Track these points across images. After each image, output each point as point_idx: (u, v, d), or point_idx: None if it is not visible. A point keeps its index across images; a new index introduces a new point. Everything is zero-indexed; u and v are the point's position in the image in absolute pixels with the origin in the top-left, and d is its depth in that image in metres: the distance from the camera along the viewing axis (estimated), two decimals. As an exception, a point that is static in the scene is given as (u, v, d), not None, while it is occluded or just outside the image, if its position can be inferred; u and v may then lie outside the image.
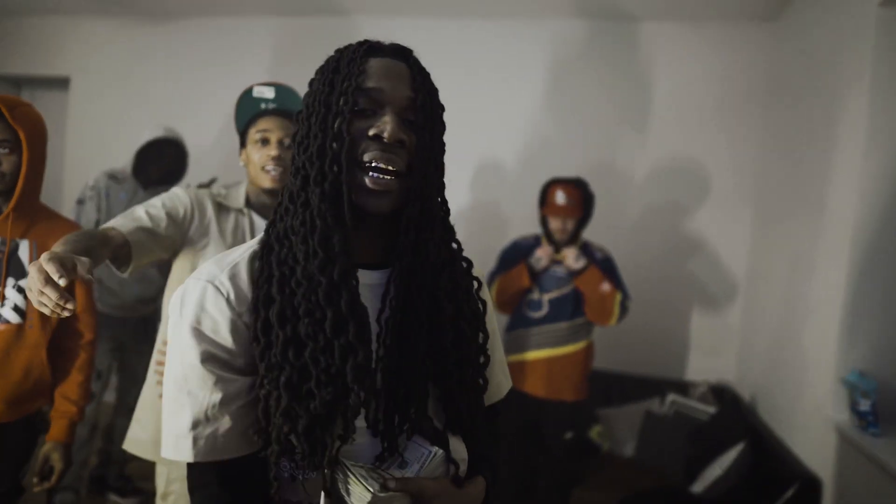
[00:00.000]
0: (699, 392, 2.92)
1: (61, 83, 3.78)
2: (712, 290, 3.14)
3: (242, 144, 1.51)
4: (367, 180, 0.69)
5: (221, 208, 1.49)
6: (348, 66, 0.71)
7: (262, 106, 1.52)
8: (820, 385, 2.11)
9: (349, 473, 0.67)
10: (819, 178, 2.30)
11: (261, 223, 1.49)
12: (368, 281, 0.73)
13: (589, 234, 2.42)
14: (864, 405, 1.84)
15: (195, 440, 0.68)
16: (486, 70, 3.29)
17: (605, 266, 2.27)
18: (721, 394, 2.94)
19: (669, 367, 3.18)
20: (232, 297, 0.70)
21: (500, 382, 0.91)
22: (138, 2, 3.45)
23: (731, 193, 3.10)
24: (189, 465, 0.70)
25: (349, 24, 3.41)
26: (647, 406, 2.95)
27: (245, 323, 0.70)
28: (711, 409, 2.68)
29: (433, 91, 0.76)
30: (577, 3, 3.03)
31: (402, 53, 0.75)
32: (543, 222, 2.34)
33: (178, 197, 1.43)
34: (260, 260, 0.72)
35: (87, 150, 3.68)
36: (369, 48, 0.73)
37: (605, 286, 2.20)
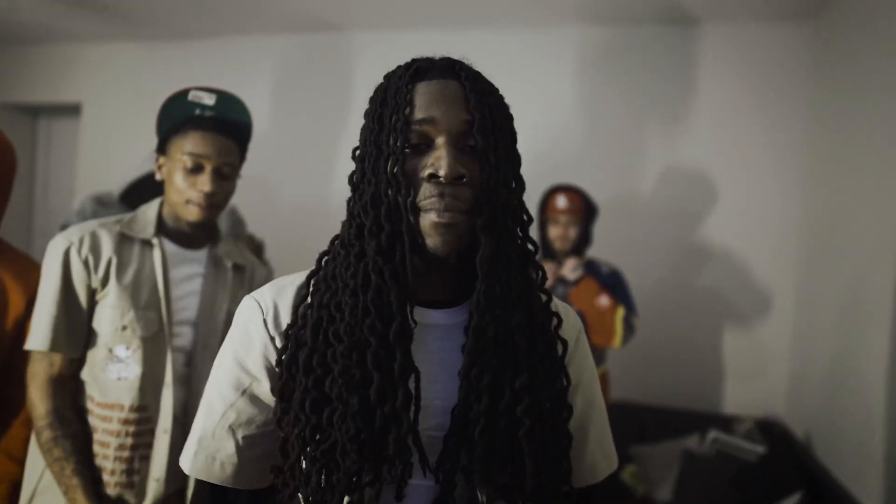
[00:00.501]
0: (744, 428, 2.61)
1: (73, 110, 3.74)
2: (750, 310, 2.85)
3: (162, 150, 1.26)
4: (426, 221, 0.63)
5: (124, 239, 1.20)
6: (395, 96, 0.66)
7: (197, 112, 1.22)
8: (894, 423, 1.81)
9: None
10: (882, 183, 2.02)
11: (178, 254, 1.25)
12: (433, 321, 0.68)
13: (615, 248, 2.22)
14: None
15: (196, 454, 0.69)
16: (500, 83, 3.11)
17: (610, 280, 2.09)
18: (770, 430, 2.62)
19: (704, 398, 2.88)
20: (269, 318, 0.70)
21: (594, 463, 0.79)
22: (146, 26, 3.39)
23: (776, 205, 2.82)
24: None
25: (364, 40, 3.29)
26: (686, 444, 2.64)
27: (276, 348, 0.69)
28: (760, 449, 2.37)
29: (495, 104, 0.68)
30: (594, 9, 2.84)
31: (452, 70, 0.68)
32: (543, 234, 2.19)
33: (57, 262, 1.15)
34: (306, 289, 0.69)
35: (98, 176, 3.62)
36: (416, 72, 0.67)
37: (603, 300, 2.00)
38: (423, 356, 0.66)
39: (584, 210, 2.22)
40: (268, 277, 1.45)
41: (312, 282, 0.69)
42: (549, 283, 2.05)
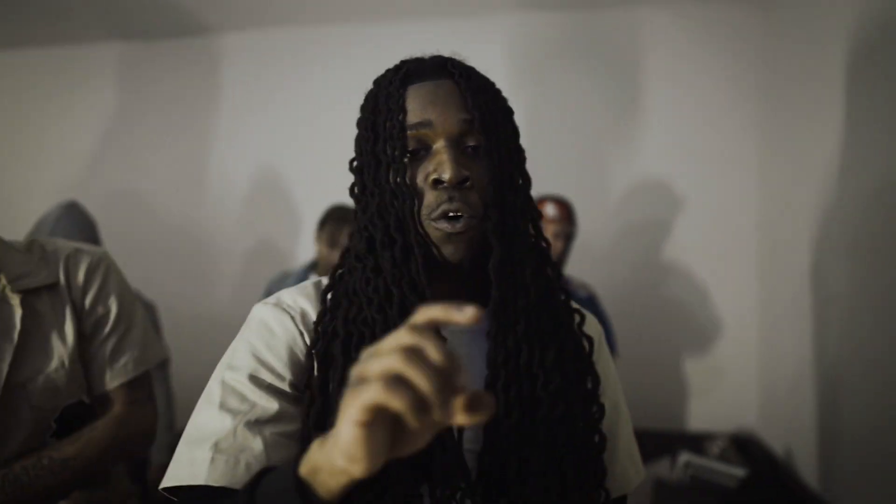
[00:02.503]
0: (718, 448, 2.31)
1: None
2: (713, 317, 2.58)
3: None
4: (437, 230, 0.62)
5: None
6: (387, 102, 0.64)
7: None
8: (884, 435, 1.53)
9: None
10: (833, 171, 1.78)
11: None
12: (456, 328, 0.64)
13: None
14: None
15: (213, 461, 0.59)
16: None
17: (585, 306, 1.79)
18: (745, 448, 2.34)
19: (670, 416, 2.59)
20: (297, 315, 0.68)
21: (625, 471, 0.75)
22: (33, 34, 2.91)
23: (733, 203, 2.58)
24: (185, 490, 0.60)
25: (296, 35, 2.91)
26: (656, 470, 2.32)
27: (306, 343, 0.66)
28: (739, 472, 2.06)
29: (493, 100, 0.66)
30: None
31: (444, 69, 0.66)
32: None
33: None
34: (323, 304, 0.67)
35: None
36: (406, 74, 0.65)
37: None
38: None
39: (572, 223, 2.11)
40: (97, 259, 1.06)
41: (330, 296, 0.68)
42: None
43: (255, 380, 0.63)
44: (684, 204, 2.62)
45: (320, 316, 0.66)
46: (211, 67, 2.98)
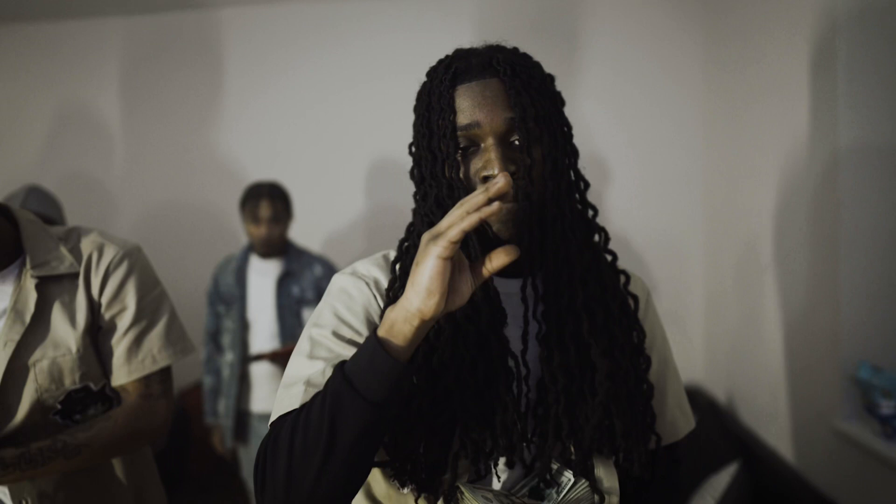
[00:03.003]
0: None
1: None
2: (663, 275, 2.79)
3: None
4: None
5: None
6: (439, 102, 0.70)
7: None
8: (817, 384, 1.75)
9: (471, 497, 0.65)
10: (769, 142, 1.96)
11: None
12: (506, 289, 0.72)
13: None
14: (888, 407, 1.48)
15: (305, 392, 0.66)
16: (365, 56, 2.84)
17: None
18: (693, 400, 2.57)
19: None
20: (371, 283, 0.76)
21: (675, 420, 0.84)
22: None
23: (679, 169, 2.76)
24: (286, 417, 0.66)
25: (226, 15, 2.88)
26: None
27: (380, 306, 0.75)
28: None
29: (539, 94, 0.70)
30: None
31: (490, 67, 0.70)
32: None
33: None
34: (395, 266, 0.76)
35: None
36: (455, 73, 0.70)
37: None
38: (508, 322, 0.71)
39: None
40: (127, 258, 1.09)
41: (398, 266, 0.75)
42: None
43: (337, 335, 0.72)
44: (632, 179, 2.78)
45: (391, 283, 0.74)
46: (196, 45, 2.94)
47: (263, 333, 2.14)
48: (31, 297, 0.99)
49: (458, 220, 0.56)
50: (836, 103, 1.60)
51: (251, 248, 2.20)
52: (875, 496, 1.52)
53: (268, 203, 2.12)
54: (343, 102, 2.88)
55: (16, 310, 0.98)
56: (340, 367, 0.62)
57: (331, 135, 2.90)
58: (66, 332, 1.01)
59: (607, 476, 0.72)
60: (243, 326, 2.15)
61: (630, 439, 0.70)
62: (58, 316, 1.01)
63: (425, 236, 0.58)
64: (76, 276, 1.03)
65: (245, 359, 2.14)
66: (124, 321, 1.05)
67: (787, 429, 1.95)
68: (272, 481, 0.61)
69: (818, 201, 1.72)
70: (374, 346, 0.60)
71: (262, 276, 2.16)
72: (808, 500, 1.67)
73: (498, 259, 0.60)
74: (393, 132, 2.76)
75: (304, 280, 2.15)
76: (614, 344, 0.70)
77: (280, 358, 2.05)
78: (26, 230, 1.03)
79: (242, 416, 2.16)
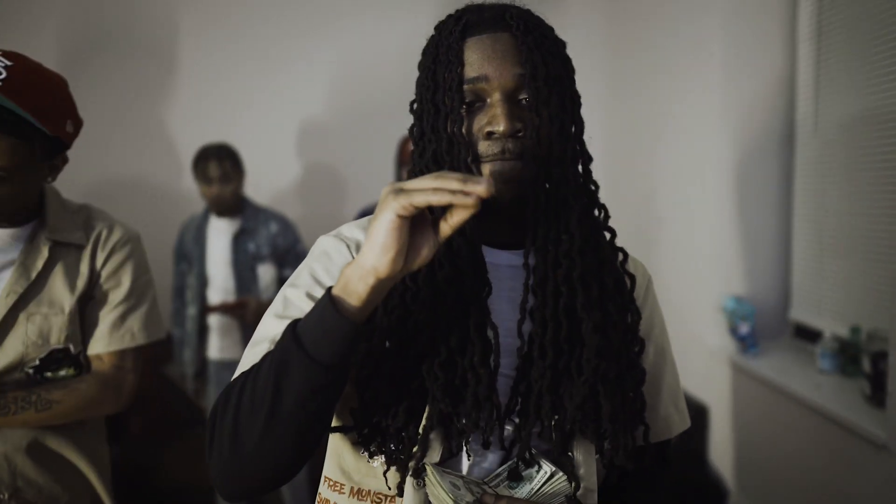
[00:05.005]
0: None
1: None
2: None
3: None
4: (486, 172, 0.65)
5: None
6: (447, 54, 0.66)
7: None
8: (693, 311, 2.20)
9: (437, 482, 0.61)
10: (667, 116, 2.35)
11: None
12: (496, 260, 0.69)
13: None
14: (744, 329, 1.93)
15: (270, 349, 0.63)
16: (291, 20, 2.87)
17: None
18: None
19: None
20: (353, 246, 0.73)
21: (668, 416, 0.79)
22: None
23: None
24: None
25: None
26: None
27: None
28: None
29: (550, 55, 0.67)
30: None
31: (503, 20, 0.67)
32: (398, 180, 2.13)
33: None
34: None
35: None
36: (466, 25, 0.67)
37: None
38: (495, 294, 0.67)
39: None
40: (127, 241, 1.20)
41: None
42: None
43: (311, 296, 0.69)
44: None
45: None
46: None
47: (221, 288, 2.29)
48: (42, 256, 1.11)
49: (430, 190, 0.53)
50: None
51: (209, 209, 2.32)
52: (736, 398, 2.00)
53: (216, 163, 2.23)
54: (277, 63, 2.91)
55: (24, 265, 1.10)
56: (293, 325, 0.59)
57: (268, 95, 2.95)
58: (62, 295, 1.12)
59: (586, 462, 0.67)
60: (202, 282, 2.29)
61: (617, 423, 0.65)
62: (59, 278, 1.12)
63: (388, 187, 0.55)
64: (82, 247, 1.16)
65: (203, 311, 2.30)
66: (116, 296, 1.15)
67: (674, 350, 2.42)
68: (219, 437, 0.61)
69: (713, 161, 2.13)
70: (325, 305, 0.57)
71: (219, 234, 2.29)
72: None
73: (458, 215, 0.55)
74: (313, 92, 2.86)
75: (259, 237, 2.30)
76: (607, 321, 0.66)
77: (230, 310, 2.22)
78: (49, 198, 1.16)
79: (205, 364, 2.33)
